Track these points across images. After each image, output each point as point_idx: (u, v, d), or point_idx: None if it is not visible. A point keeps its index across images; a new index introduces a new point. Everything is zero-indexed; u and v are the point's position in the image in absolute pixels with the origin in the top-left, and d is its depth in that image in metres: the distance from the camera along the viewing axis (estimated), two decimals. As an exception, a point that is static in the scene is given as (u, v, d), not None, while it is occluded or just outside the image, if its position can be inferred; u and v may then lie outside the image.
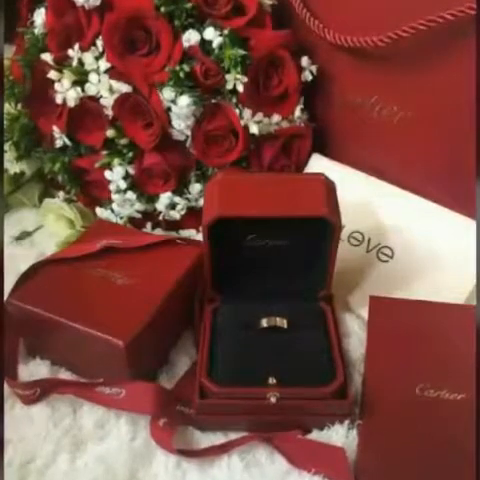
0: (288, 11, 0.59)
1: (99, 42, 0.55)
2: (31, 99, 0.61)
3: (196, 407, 0.43)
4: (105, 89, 0.55)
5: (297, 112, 0.60)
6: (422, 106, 0.54)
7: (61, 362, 0.49)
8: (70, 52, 0.56)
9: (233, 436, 0.44)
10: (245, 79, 0.55)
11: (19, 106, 0.64)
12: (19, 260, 0.59)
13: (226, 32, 0.54)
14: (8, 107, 0.64)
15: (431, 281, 0.53)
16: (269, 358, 0.45)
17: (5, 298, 0.48)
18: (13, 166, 0.69)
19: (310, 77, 0.60)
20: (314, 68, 0.60)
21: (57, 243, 0.62)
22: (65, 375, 0.49)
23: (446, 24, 0.47)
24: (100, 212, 0.64)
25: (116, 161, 0.59)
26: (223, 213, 0.45)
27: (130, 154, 0.59)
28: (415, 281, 0.53)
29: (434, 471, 0.40)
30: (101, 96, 0.56)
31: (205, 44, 0.55)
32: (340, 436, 0.43)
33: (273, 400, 0.42)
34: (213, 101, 0.56)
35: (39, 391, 0.46)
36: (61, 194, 0.66)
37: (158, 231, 0.65)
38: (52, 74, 0.56)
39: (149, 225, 0.65)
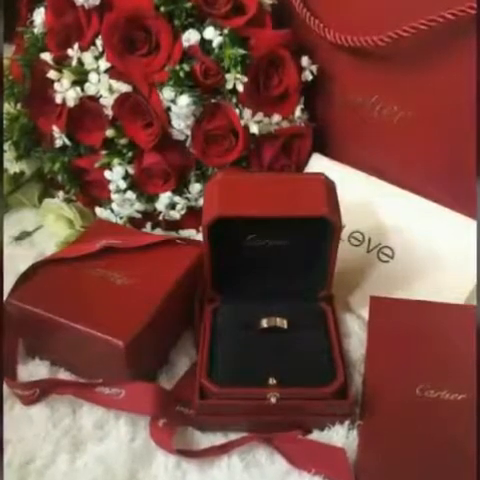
0: (288, 10, 0.59)
1: (99, 42, 0.55)
2: (31, 99, 0.61)
3: (196, 407, 0.43)
4: (105, 89, 0.55)
5: (297, 112, 0.60)
6: (422, 106, 0.54)
7: (60, 362, 0.49)
8: (70, 52, 0.56)
9: (233, 436, 0.44)
10: (245, 79, 0.55)
11: (19, 106, 0.64)
12: (19, 260, 0.59)
13: (226, 32, 0.54)
14: (8, 107, 0.64)
15: (431, 281, 0.53)
16: (269, 358, 0.45)
17: (5, 298, 0.48)
18: (13, 166, 0.68)
19: (310, 77, 0.60)
20: (314, 68, 0.60)
21: (57, 243, 0.62)
22: (64, 375, 0.48)
23: (447, 24, 0.47)
24: (100, 212, 0.64)
25: (116, 161, 0.59)
26: (223, 213, 0.45)
27: (130, 154, 0.59)
28: (415, 281, 0.53)
29: (434, 471, 0.40)
30: (101, 96, 0.56)
31: (205, 44, 0.55)
32: (340, 436, 0.43)
33: (273, 400, 0.42)
34: (213, 101, 0.56)
35: (38, 391, 0.46)
36: (61, 194, 0.66)
37: (158, 231, 0.64)
38: (52, 74, 0.56)
39: (149, 225, 0.64)
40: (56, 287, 0.49)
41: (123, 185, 0.60)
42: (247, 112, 0.56)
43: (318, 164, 0.62)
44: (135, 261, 0.51)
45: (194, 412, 0.44)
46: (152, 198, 0.62)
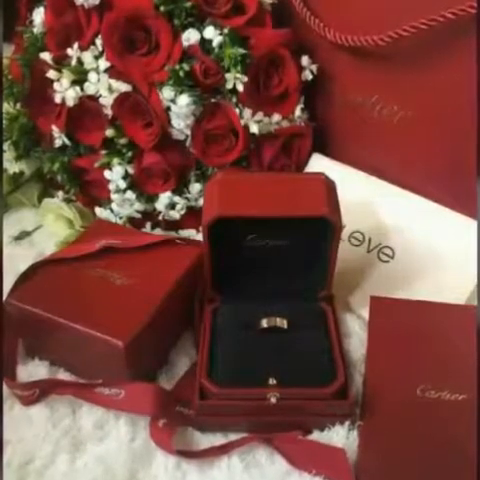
0: (288, 10, 0.59)
1: (98, 41, 0.55)
2: (30, 98, 0.61)
3: (196, 408, 0.43)
4: (104, 88, 0.55)
5: (297, 111, 0.60)
6: (423, 105, 0.54)
7: (60, 363, 0.49)
8: (69, 51, 0.56)
9: (233, 437, 0.44)
10: (245, 78, 0.54)
11: (18, 105, 0.64)
12: (18, 260, 0.59)
13: (226, 31, 0.54)
14: (7, 106, 0.64)
15: (432, 281, 0.53)
16: (269, 358, 0.45)
17: (4, 298, 0.48)
18: (12, 166, 0.68)
19: (310, 76, 0.60)
20: (314, 67, 0.60)
21: (56, 243, 0.62)
22: (64, 376, 0.48)
23: (447, 23, 0.47)
24: (99, 212, 0.64)
25: (115, 161, 0.59)
26: (223, 213, 0.45)
27: (129, 154, 0.59)
28: (416, 281, 0.53)
29: (435, 472, 0.40)
30: (100, 95, 0.56)
31: (205, 43, 0.54)
32: (341, 437, 0.43)
33: (273, 401, 0.42)
34: (213, 100, 0.56)
35: (38, 392, 0.46)
36: (60, 194, 0.66)
37: (158, 231, 0.64)
38: (51, 73, 0.56)
39: (148, 225, 0.64)
40: (56, 287, 0.49)
41: (123, 185, 0.60)
42: (247, 112, 0.56)
43: (318, 164, 0.62)
44: (135, 261, 0.51)
45: (194, 412, 0.44)
46: (152, 198, 0.62)
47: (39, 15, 0.59)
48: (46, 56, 0.57)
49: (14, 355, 0.49)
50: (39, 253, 0.61)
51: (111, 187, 0.60)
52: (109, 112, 0.56)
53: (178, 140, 0.58)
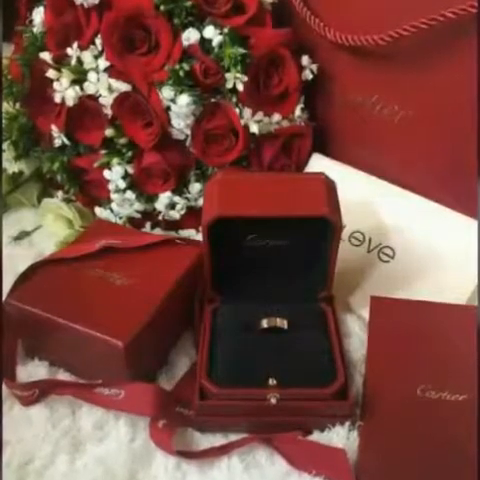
0: (288, 9, 0.59)
1: (98, 41, 0.55)
2: (30, 98, 0.61)
3: (196, 408, 0.43)
4: (104, 88, 0.55)
5: (297, 111, 0.60)
6: (423, 105, 0.54)
7: (60, 363, 0.49)
8: (69, 51, 0.56)
9: (233, 437, 0.43)
10: (245, 78, 0.54)
11: (18, 105, 0.64)
12: (18, 260, 0.59)
13: (226, 31, 0.54)
14: (6, 106, 0.64)
15: (432, 281, 0.52)
16: (269, 359, 0.45)
17: (3, 298, 0.48)
18: (12, 166, 0.68)
19: (310, 76, 0.60)
20: (314, 67, 0.60)
21: (56, 243, 0.62)
22: (64, 376, 0.48)
23: (447, 23, 0.47)
24: (99, 212, 0.64)
25: (115, 160, 0.58)
26: (223, 213, 0.45)
27: (129, 153, 0.59)
28: (416, 281, 0.53)
29: (435, 472, 0.40)
30: (100, 95, 0.55)
31: (205, 43, 0.54)
32: (341, 437, 0.43)
33: (273, 401, 0.41)
34: (213, 100, 0.56)
35: (38, 392, 0.45)
36: (60, 194, 0.66)
37: (157, 231, 0.64)
38: (51, 73, 0.56)
39: (148, 225, 0.64)
40: (55, 287, 0.48)
41: (122, 185, 0.60)
42: (247, 111, 0.56)
43: (318, 164, 0.61)
44: (135, 261, 0.51)
45: (194, 413, 0.44)
46: (152, 198, 0.62)
47: (39, 15, 0.59)
48: (46, 56, 0.57)
49: (14, 355, 0.49)
50: (39, 253, 0.61)
51: (111, 187, 0.60)
52: (109, 112, 0.56)
53: (178, 140, 0.58)
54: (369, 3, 0.53)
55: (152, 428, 0.43)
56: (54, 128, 0.59)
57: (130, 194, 0.60)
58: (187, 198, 0.61)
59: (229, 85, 0.55)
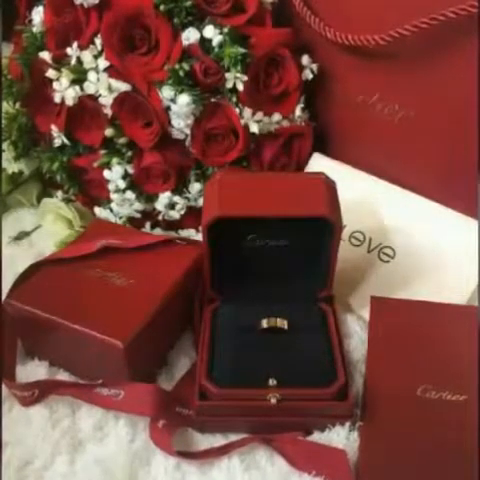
0: (288, 9, 0.59)
1: (98, 40, 0.55)
2: (29, 98, 0.61)
3: (196, 409, 0.43)
4: (104, 88, 0.55)
5: (297, 111, 0.60)
6: (424, 105, 0.54)
7: (59, 363, 0.49)
8: (69, 50, 0.55)
9: (233, 438, 0.43)
10: (245, 78, 0.54)
11: (17, 105, 0.63)
12: (17, 260, 0.59)
13: (226, 30, 0.54)
14: (6, 106, 0.64)
15: (433, 281, 0.52)
16: (269, 359, 0.45)
17: (3, 298, 0.48)
18: (11, 165, 0.68)
19: (311, 76, 0.60)
20: (315, 67, 0.60)
21: (56, 243, 0.62)
22: (63, 376, 0.48)
23: (448, 22, 0.47)
24: (99, 212, 0.64)
25: (115, 160, 0.58)
26: (223, 213, 0.45)
27: (129, 153, 0.58)
28: (417, 281, 0.53)
29: (436, 473, 0.40)
30: (100, 95, 0.55)
31: (205, 42, 0.54)
32: (341, 438, 0.43)
33: (273, 401, 0.41)
34: (213, 100, 0.56)
35: (37, 392, 0.45)
36: (59, 194, 0.66)
37: (157, 231, 0.64)
38: (50, 73, 0.56)
39: (148, 225, 0.64)
40: (55, 287, 0.48)
41: (122, 185, 0.59)
42: (247, 111, 0.56)
43: (318, 164, 0.61)
44: (135, 261, 0.51)
45: (194, 413, 0.44)
46: (151, 198, 0.62)
47: (38, 14, 0.58)
48: (45, 55, 0.57)
49: (13, 355, 0.49)
50: (38, 253, 0.61)
51: (110, 187, 0.60)
52: (108, 111, 0.56)
53: (178, 140, 0.58)
54: (369, 2, 0.53)
55: (152, 428, 0.43)
56: (54, 128, 0.59)
57: (130, 194, 0.60)
58: (187, 198, 0.61)
59: (229, 85, 0.55)
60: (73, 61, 0.56)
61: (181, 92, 0.53)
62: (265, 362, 0.45)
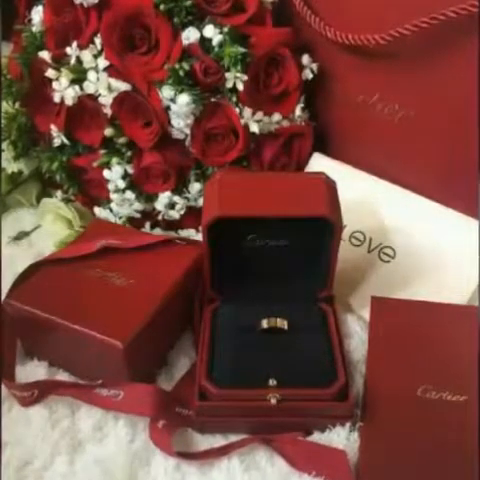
0: (289, 8, 0.59)
1: (97, 40, 0.55)
2: (29, 97, 0.61)
3: (196, 409, 0.43)
4: (104, 87, 0.55)
5: (298, 111, 0.60)
6: (424, 105, 0.54)
7: (59, 363, 0.49)
8: (68, 50, 0.55)
9: (233, 438, 0.43)
10: (245, 77, 0.54)
11: (17, 105, 0.63)
12: (17, 260, 0.59)
13: (226, 30, 0.54)
14: (6, 106, 0.64)
15: (433, 282, 0.52)
16: (269, 359, 0.45)
17: (3, 298, 0.48)
18: (11, 165, 0.68)
19: (311, 75, 0.60)
20: (315, 66, 0.60)
21: (55, 243, 0.62)
22: (63, 376, 0.48)
23: (448, 22, 0.47)
24: (99, 212, 0.64)
25: (115, 160, 0.58)
26: (223, 213, 0.45)
27: (129, 153, 0.58)
28: (417, 282, 0.53)
29: (436, 474, 0.40)
30: (100, 94, 0.55)
31: (205, 42, 0.54)
32: (341, 438, 0.43)
33: (273, 402, 0.41)
34: (213, 100, 0.56)
35: (37, 393, 0.45)
36: (59, 194, 0.66)
37: (157, 231, 0.64)
38: (50, 72, 0.56)
39: (148, 225, 0.64)
40: (55, 287, 0.48)
41: (122, 185, 0.59)
42: (247, 111, 0.56)
43: (319, 163, 0.61)
44: (134, 261, 0.51)
45: (194, 413, 0.43)
46: (151, 198, 0.61)
47: (38, 14, 0.58)
48: (45, 55, 0.56)
49: (13, 356, 0.49)
50: (38, 253, 0.61)
51: (110, 187, 0.60)
52: (108, 111, 0.56)
53: (178, 139, 0.58)
54: (370, 2, 0.53)
55: (152, 429, 0.43)
56: (53, 128, 0.59)
57: (130, 194, 0.60)
58: (187, 198, 0.61)
59: (229, 84, 0.55)
60: (73, 61, 0.55)
61: (181, 92, 0.53)
62: (265, 362, 0.45)
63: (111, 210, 0.63)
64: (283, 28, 0.58)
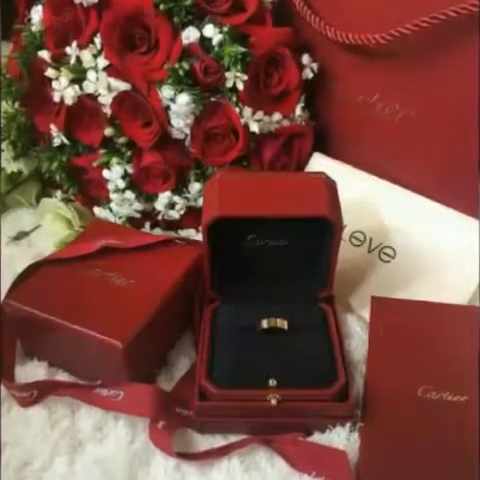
0: (289, 8, 0.59)
1: (97, 39, 0.55)
2: (28, 97, 0.61)
3: (196, 409, 0.43)
4: (103, 87, 0.55)
5: (298, 110, 0.60)
6: (424, 104, 0.54)
7: (59, 363, 0.49)
8: (68, 50, 0.55)
9: (233, 438, 0.43)
10: (245, 77, 0.54)
11: (16, 104, 0.63)
12: (16, 260, 0.59)
13: (226, 29, 0.53)
14: (5, 105, 0.63)
15: (433, 281, 0.52)
16: (269, 359, 0.45)
17: (2, 299, 0.48)
18: (10, 165, 0.68)
19: (311, 75, 0.60)
20: (315, 66, 0.60)
21: (55, 243, 0.62)
22: (63, 377, 0.48)
23: (449, 21, 0.47)
24: (98, 212, 0.64)
25: (114, 160, 0.58)
26: (223, 213, 0.45)
27: (129, 153, 0.58)
28: (417, 281, 0.53)
29: (436, 474, 0.40)
30: (99, 94, 0.55)
31: (205, 41, 0.54)
32: (341, 439, 0.43)
33: (274, 402, 0.41)
34: (213, 99, 0.56)
35: (36, 393, 0.45)
36: (59, 193, 0.66)
37: (157, 231, 0.64)
38: (50, 72, 0.56)
39: (148, 225, 0.64)
40: (54, 288, 0.48)
41: (122, 184, 0.59)
42: (247, 111, 0.56)
43: (319, 163, 0.61)
44: (134, 261, 0.51)
45: (194, 414, 0.43)
46: (151, 198, 0.61)
47: (37, 13, 0.58)
48: (44, 54, 0.56)
49: (12, 356, 0.49)
50: (37, 253, 0.61)
51: (110, 187, 0.60)
52: (108, 111, 0.56)
53: (177, 139, 0.58)
54: (370, 1, 0.53)
55: (151, 429, 0.43)
56: (53, 127, 0.59)
57: (129, 194, 0.60)
58: (187, 198, 0.61)
59: (229, 84, 0.55)
60: (72, 60, 0.55)
61: (181, 91, 0.53)
62: (265, 362, 0.45)
63: (111, 210, 0.63)
64: (283, 28, 0.58)
